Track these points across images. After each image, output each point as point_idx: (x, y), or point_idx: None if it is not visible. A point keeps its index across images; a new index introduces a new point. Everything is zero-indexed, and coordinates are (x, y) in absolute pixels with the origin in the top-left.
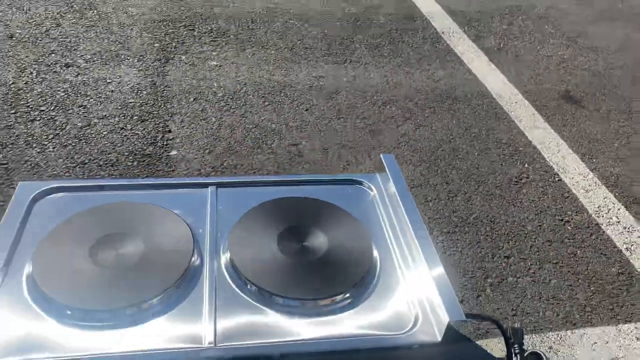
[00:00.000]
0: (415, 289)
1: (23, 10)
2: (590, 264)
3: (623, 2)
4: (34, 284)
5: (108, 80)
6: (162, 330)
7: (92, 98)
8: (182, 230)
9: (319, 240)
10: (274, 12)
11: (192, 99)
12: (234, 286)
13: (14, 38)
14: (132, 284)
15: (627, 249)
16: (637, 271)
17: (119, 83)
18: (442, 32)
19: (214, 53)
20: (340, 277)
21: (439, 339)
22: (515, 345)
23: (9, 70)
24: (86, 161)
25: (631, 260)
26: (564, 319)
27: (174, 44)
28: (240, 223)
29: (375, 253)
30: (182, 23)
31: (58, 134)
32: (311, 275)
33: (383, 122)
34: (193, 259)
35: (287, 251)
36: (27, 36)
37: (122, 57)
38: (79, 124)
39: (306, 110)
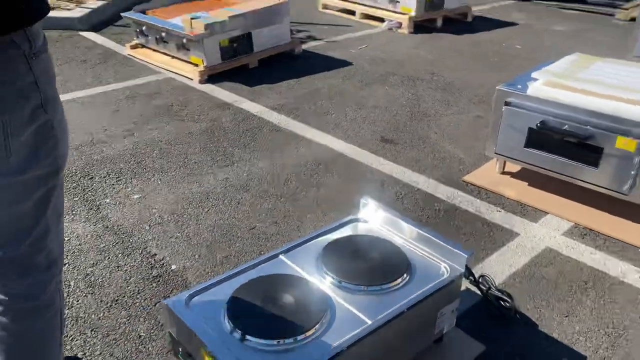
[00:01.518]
0: (438, 259)
1: None
2: None
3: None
4: None
5: (67, 237)
6: None
7: (68, 256)
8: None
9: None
10: None
11: (147, 226)
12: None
13: None
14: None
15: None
16: None
17: (79, 235)
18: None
19: (128, 189)
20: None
21: (463, 270)
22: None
23: None
24: (116, 298)
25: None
26: None
27: (89, 193)
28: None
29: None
30: (79, 175)
31: (68, 291)
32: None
33: None
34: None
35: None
36: None
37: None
38: (81, 280)
39: None
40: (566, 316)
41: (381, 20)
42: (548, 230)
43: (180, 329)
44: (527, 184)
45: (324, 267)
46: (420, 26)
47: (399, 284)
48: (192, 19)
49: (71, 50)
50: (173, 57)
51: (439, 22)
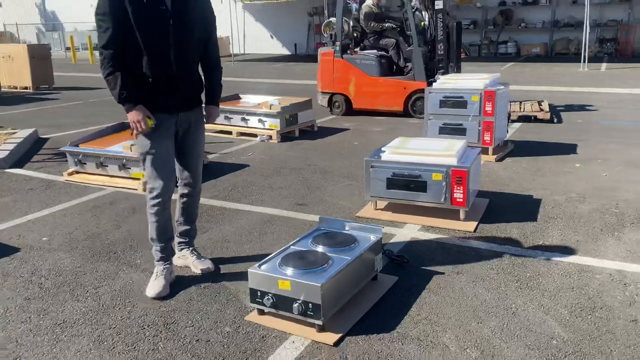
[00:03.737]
0: (368, 234)
1: None
2: None
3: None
4: None
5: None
6: None
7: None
8: None
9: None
10: None
11: None
12: None
13: None
14: None
15: None
16: None
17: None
18: None
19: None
20: (352, 240)
21: (381, 236)
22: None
23: None
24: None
25: None
26: None
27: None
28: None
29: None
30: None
31: None
32: (345, 242)
33: None
34: None
35: None
36: None
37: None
38: None
39: None
40: (422, 263)
41: (254, 135)
42: (409, 230)
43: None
44: (391, 211)
45: (321, 245)
46: (284, 136)
47: (354, 245)
48: (131, 145)
49: (12, 184)
50: (112, 176)
51: (297, 133)
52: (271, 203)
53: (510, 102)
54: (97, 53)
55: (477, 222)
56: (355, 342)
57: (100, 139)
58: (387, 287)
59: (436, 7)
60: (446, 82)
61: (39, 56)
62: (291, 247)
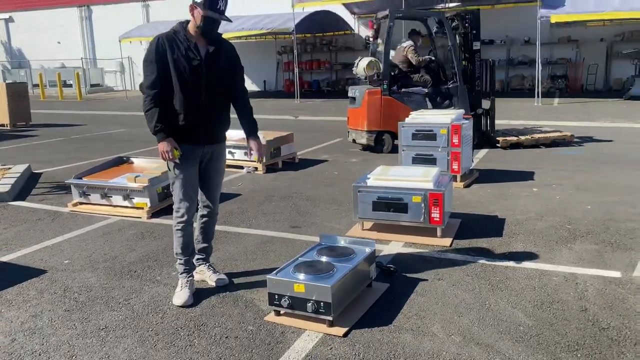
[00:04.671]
0: (362, 247)
1: None
2: None
3: None
4: None
5: None
6: None
7: None
8: None
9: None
10: None
11: None
12: None
13: None
14: None
15: None
16: None
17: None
18: None
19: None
20: (350, 252)
21: (374, 248)
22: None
23: None
24: None
25: None
26: None
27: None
28: None
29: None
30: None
31: None
32: (345, 254)
33: None
34: None
35: None
36: None
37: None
38: None
39: None
40: (408, 273)
41: (241, 167)
42: (394, 246)
43: (274, 284)
44: (376, 230)
45: (325, 256)
46: (269, 168)
47: (353, 256)
48: (135, 177)
49: (19, 215)
50: (116, 206)
51: (280, 164)
52: (267, 226)
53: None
54: (137, 89)
55: (452, 238)
56: (360, 333)
57: (101, 172)
58: (381, 292)
59: (474, 48)
60: (417, 118)
61: (17, 94)
62: (299, 258)
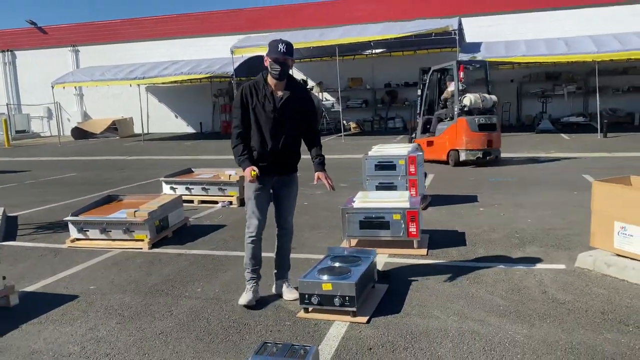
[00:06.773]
0: (367, 256)
1: None
2: None
3: None
4: None
5: None
6: None
7: None
8: None
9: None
10: None
11: None
12: None
13: None
14: None
15: None
16: None
17: None
18: None
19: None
20: (358, 260)
21: (376, 255)
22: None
23: None
24: None
25: None
26: None
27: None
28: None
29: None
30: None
31: None
32: (355, 261)
33: None
34: None
35: None
36: None
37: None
38: None
39: None
40: (400, 276)
41: (215, 202)
42: (381, 258)
43: (304, 286)
44: (361, 246)
45: (338, 262)
46: (242, 201)
47: (360, 262)
48: (135, 211)
49: (18, 253)
50: (115, 239)
51: None
52: (265, 249)
53: None
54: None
55: (426, 249)
56: (379, 320)
57: (95, 210)
58: (383, 291)
59: None
60: (378, 151)
61: None
62: (317, 266)
